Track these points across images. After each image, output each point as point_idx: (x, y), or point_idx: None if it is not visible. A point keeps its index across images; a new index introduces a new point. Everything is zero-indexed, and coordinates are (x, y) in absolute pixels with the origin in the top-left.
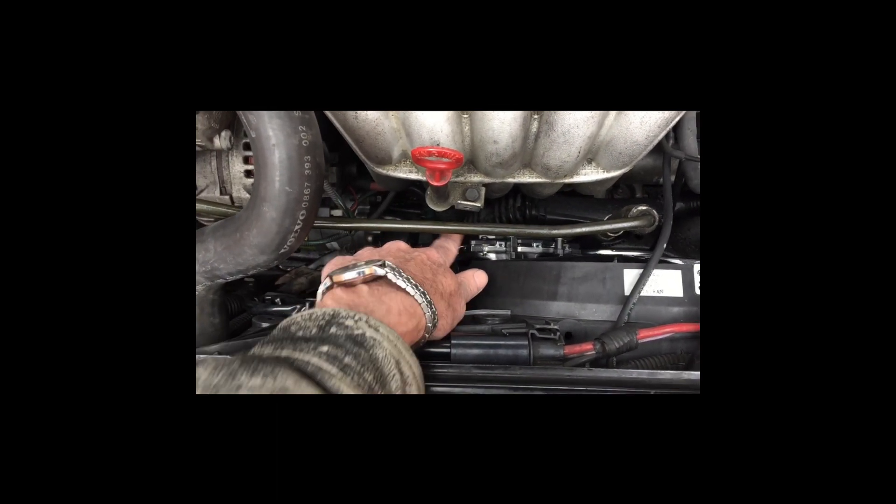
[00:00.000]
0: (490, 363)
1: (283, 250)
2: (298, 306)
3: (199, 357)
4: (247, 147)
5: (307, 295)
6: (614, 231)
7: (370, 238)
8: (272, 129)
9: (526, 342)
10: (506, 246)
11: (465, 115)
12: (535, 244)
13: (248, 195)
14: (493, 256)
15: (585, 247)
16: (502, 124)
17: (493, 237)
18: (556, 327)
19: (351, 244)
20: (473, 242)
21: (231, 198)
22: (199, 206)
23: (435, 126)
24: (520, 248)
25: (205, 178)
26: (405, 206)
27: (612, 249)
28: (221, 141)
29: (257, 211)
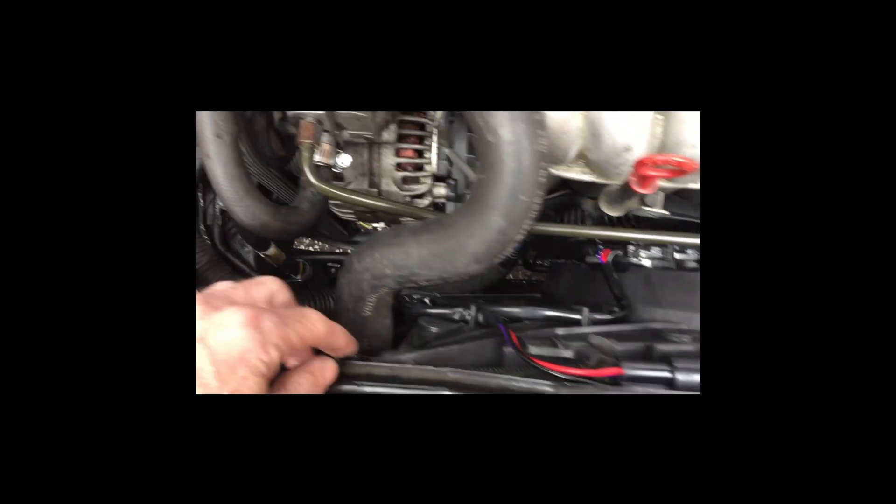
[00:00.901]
0: None
1: (497, 260)
2: (461, 310)
3: None
4: (400, 139)
5: None
6: None
7: None
8: (515, 134)
9: None
10: (663, 252)
11: (660, 116)
12: (688, 251)
13: (396, 189)
14: (647, 263)
15: None
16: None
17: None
18: None
19: None
20: (631, 248)
21: (379, 190)
22: (346, 195)
23: (628, 127)
24: (677, 256)
25: (353, 169)
26: None
27: None
28: (389, 134)
29: (483, 219)
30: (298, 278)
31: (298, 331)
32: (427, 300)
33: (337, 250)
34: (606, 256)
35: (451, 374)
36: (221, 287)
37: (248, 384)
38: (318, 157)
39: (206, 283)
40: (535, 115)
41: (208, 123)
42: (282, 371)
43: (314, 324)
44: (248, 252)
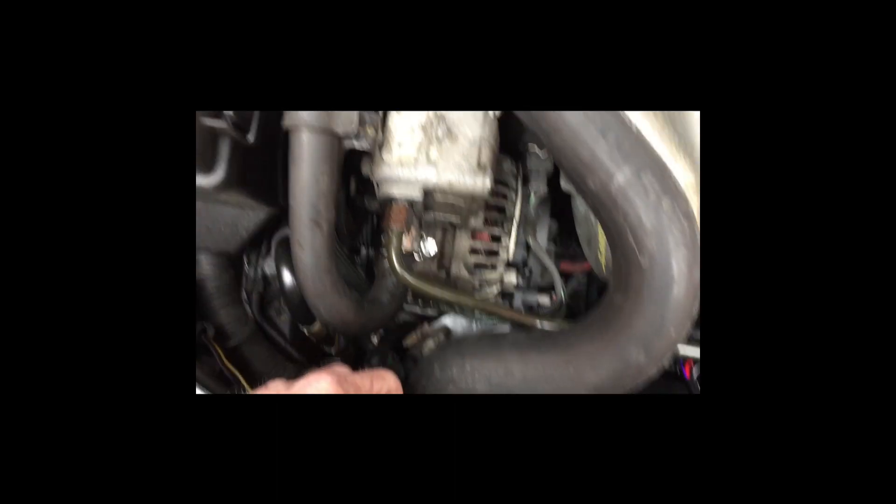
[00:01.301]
0: None
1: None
2: None
3: None
4: (487, 222)
5: None
6: None
7: None
8: (674, 259)
9: None
10: None
11: None
12: None
13: (466, 273)
14: None
15: None
16: None
17: None
18: None
19: None
20: None
21: (447, 273)
22: (434, 291)
23: None
24: None
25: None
26: None
27: None
28: (476, 220)
29: (616, 349)
30: (333, 351)
31: None
32: None
33: None
34: (689, 370)
35: None
36: (346, 370)
37: None
38: (404, 244)
39: (243, 359)
40: (696, 238)
41: (306, 207)
42: None
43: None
44: (284, 322)
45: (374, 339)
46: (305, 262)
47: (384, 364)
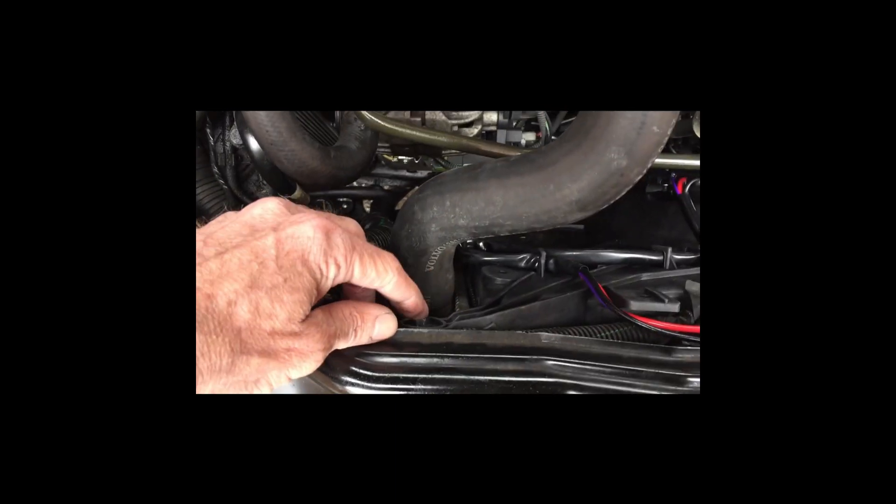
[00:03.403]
0: None
1: (606, 205)
2: (527, 256)
3: None
4: None
5: None
6: None
7: None
8: None
9: None
10: None
11: None
12: None
13: (443, 116)
14: None
15: None
16: None
17: None
18: None
19: None
20: None
21: (423, 119)
22: (404, 130)
23: None
24: None
25: None
26: None
27: None
28: None
29: (595, 157)
30: None
31: (366, 262)
32: (481, 244)
33: None
34: (682, 186)
35: (547, 339)
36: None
37: (302, 280)
38: None
39: None
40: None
41: None
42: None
43: (386, 264)
44: (265, 195)
45: (367, 207)
46: (256, 112)
47: (376, 227)
